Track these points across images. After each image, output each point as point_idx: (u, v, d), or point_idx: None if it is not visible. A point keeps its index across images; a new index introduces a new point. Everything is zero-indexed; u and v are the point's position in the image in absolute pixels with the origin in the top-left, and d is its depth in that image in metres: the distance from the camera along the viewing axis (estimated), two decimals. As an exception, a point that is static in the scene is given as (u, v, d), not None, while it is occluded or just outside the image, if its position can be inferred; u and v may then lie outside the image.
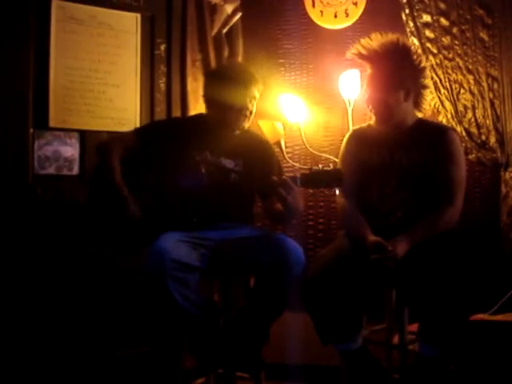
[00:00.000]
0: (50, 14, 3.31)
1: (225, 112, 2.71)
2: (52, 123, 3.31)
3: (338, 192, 2.72)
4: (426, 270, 2.28)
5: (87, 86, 3.41)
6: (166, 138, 2.72)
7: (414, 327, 2.53)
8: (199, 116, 2.93)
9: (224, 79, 2.71)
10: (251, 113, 2.75)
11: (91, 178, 2.82)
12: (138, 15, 3.57)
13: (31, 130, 3.25)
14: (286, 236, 2.65)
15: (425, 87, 2.60)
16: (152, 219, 2.65)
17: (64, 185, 3.32)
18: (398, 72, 2.52)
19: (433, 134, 2.54)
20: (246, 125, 2.77)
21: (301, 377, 2.90)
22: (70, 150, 3.36)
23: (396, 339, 2.65)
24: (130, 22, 3.54)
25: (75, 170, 3.38)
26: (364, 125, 2.74)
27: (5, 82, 3.13)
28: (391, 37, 2.57)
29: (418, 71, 2.57)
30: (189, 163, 2.69)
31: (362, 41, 2.60)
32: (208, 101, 2.80)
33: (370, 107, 2.57)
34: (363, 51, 2.58)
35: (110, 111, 3.48)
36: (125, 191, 2.60)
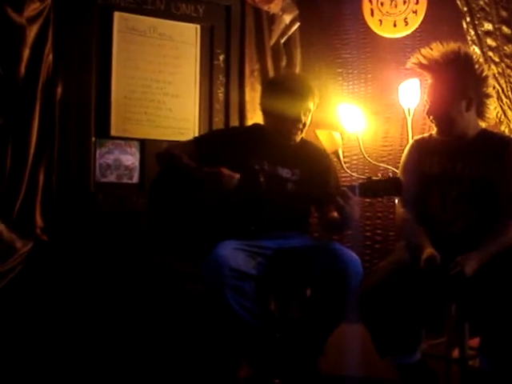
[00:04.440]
0: (112, 26, 3.39)
1: (278, 123, 2.72)
2: (113, 132, 3.38)
3: (397, 202, 2.70)
4: (488, 284, 2.23)
5: (148, 96, 3.47)
6: (224, 147, 2.74)
7: (474, 342, 2.48)
8: (256, 126, 2.95)
9: (279, 90, 2.71)
10: (304, 125, 2.74)
11: (154, 181, 2.86)
12: (198, 26, 3.61)
13: (93, 139, 3.32)
14: (343, 246, 2.64)
15: (488, 96, 2.54)
16: (210, 227, 2.67)
17: (124, 193, 3.38)
18: (459, 81, 2.48)
19: (495, 146, 2.49)
20: (298, 137, 2.76)
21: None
22: (131, 158, 3.43)
23: (456, 353, 2.60)
24: (189, 33, 3.59)
25: (135, 179, 3.44)
26: (426, 135, 2.70)
27: (68, 91, 3.21)
28: (452, 45, 2.53)
29: (481, 80, 2.52)
30: (247, 172, 2.70)
31: (423, 50, 2.57)
32: (264, 111, 2.82)
33: (431, 118, 2.53)
34: (423, 61, 2.55)
35: (170, 120, 3.53)
36: (206, 169, 2.63)
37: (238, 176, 2.60)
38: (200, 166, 2.66)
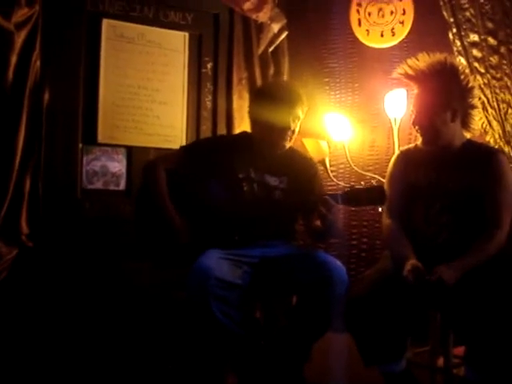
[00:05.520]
0: (100, 33, 3.39)
1: (267, 131, 2.71)
2: (100, 139, 3.38)
3: (381, 211, 2.70)
4: (472, 293, 2.24)
5: (135, 103, 3.48)
6: (211, 156, 2.75)
7: (458, 351, 2.49)
8: (244, 134, 2.95)
9: (269, 98, 2.71)
10: (294, 132, 2.75)
11: (138, 196, 2.86)
12: (186, 34, 3.63)
13: (80, 146, 3.32)
14: (328, 255, 2.65)
15: (473, 107, 2.56)
16: (195, 236, 2.67)
17: (110, 200, 3.38)
18: (444, 92, 2.49)
19: (480, 157, 2.49)
20: (288, 144, 2.77)
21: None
22: (118, 165, 3.43)
23: (440, 362, 2.61)
24: (178, 41, 3.60)
25: (122, 186, 3.44)
26: (411, 145, 2.72)
27: (56, 98, 3.20)
28: (439, 56, 2.54)
29: (466, 91, 2.53)
30: (231, 181, 2.71)
31: (409, 61, 2.58)
32: (252, 119, 2.82)
33: (417, 128, 2.55)
34: (410, 71, 2.57)
35: (157, 128, 3.53)
36: (173, 215, 2.64)
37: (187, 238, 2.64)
38: (170, 211, 2.67)
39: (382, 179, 3.12)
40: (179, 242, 2.63)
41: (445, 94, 2.49)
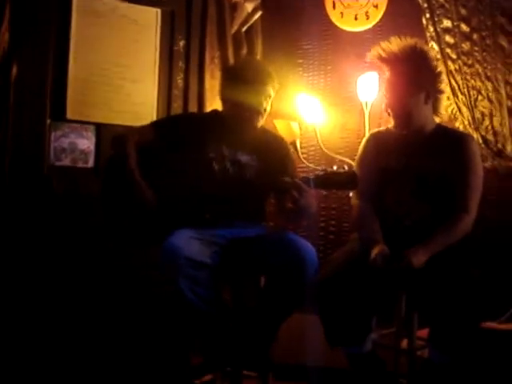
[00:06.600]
0: (71, 7, 3.33)
1: (239, 109, 2.71)
2: (69, 115, 3.32)
3: (351, 194, 2.71)
4: (437, 275, 2.27)
5: (106, 80, 3.42)
6: (182, 133, 2.73)
7: (423, 333, 2.53)
8: (214, 112, 2.93)
9: (239, 77, 2.71)
10: (265, 111, 2.75)
11: (106, 166, 2.83)
12: (159, 10, 3.57)
13: (48, 121, 3.26)
14: (299, 237, 2.66)
15: (441, 92, 2.59)
16: (164, 214, 2.65)
17: (79, 177, 3.34)
18: (417, 74, 2.51)
19: (451, 141, 2.52)
20: (260, 123, 2.76)
21: (309, 378, 2.90)
22: (86, 142, 3.38)
23: (404, 344, 2.64)
24: (150, 17, 3.54)
25: (90, 163, 3.39)
26: (382, 128, 2.73)
27: (24, 72, 3.15)
28: (410, 41, 2.56)
29: (436, 75, 2.57)
30: (202, 159, 2.69)
31: (382, 44, 2.59)
32: (223, 98, 2.81)
33: (389, 111, 2.56)
34: (383, 54, 2.58)
35: (127, 105, 3.48)
36: (139, 177, 2.60)
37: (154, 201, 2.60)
38: (140, 180, 2.61)
39: (352, 162, 3.13)
40: (147, 207, 2.59)
41: (417, 76, 2.51)
